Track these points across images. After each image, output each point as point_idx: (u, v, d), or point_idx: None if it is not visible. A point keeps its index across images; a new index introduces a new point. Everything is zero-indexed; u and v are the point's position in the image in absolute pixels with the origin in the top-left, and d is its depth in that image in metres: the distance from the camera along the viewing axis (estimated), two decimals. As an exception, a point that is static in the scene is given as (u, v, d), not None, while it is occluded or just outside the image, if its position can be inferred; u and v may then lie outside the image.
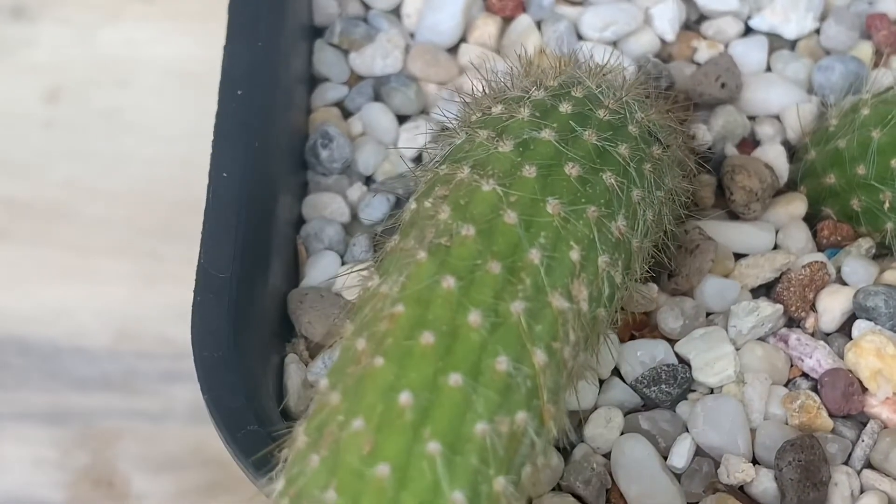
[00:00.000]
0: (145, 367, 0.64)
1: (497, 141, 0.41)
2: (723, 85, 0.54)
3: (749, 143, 0.54)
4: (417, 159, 0.53)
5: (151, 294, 0.66)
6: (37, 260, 0.66)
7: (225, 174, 0.46)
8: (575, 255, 0.38)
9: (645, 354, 0.47)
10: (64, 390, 0.64)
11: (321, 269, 0.49)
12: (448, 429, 0.34)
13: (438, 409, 0.34)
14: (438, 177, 0.40)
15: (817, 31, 0.57)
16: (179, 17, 0.75)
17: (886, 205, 0.48)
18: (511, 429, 0.34)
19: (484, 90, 0.46)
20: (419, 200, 0.40)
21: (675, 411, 0.46)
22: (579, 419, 0.46)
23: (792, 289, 0.48)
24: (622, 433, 0.46)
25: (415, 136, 0.53)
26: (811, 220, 0.52)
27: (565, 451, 0.45)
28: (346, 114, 0.55)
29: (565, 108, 0.42)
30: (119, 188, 0.68)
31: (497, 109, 0.43)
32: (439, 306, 0.36)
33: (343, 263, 0.50)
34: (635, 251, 0.42)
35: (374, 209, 0.51)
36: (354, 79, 0.56)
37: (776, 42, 0.56)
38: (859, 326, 0.48)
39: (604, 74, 0.48)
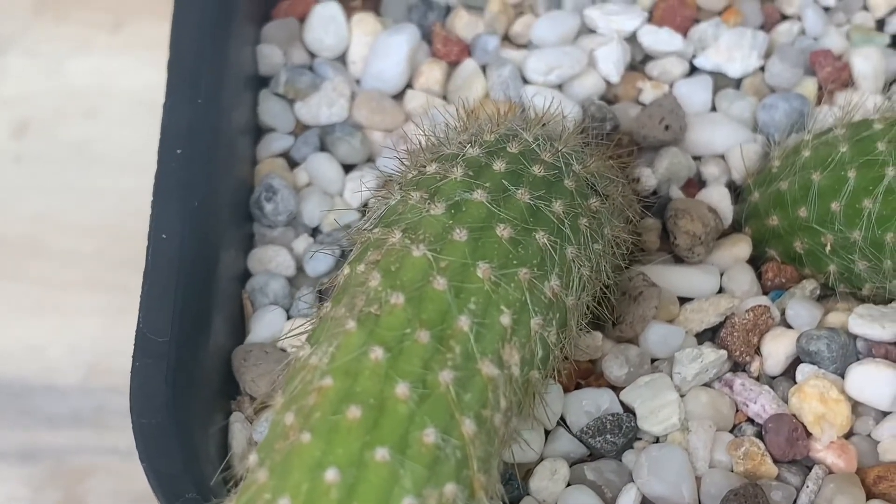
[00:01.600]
0: (116, 403, 0.64)
1: (429, 203, 0.41)
2: (667, 127, 0.54)
3: (695, 183, 0.54)
4: (364, 209, 0.53)
5: (122, 328, 0.65)
6: (7, 295, 0.66)
7: (164, 235, 0.46)
8: (506, 319, 0.38)
9: (590, 404, 0.47)
10: (35, 427, 0.64)
11: (266, 324, 0.49)
12: (375, 505, 0.34)
13: (365, 486, 0.34)
14: (371, 241, 0.40)
15: (762, 69, 0.57)
16: (146, 48, 0.74)
17: (828, 248, 0.48)
18: (440, 502, 0.34)
19: (421, 145, 0.46)
20: (352, 265, 0.40)
21: (621, 461, 0.47)
22: (525, 471, 0.46)
23: (736, 334, 0.49)
24: (568, 485, 0.46)
25: (360, 186, 0.53)
26: (756, 261, 0.52)
27: (511, 505, 0.45)
28: (293, 164, 0.55)
29: (499, 166, 0.42)
30: (89, 221, 0.68)
31: (431, 169, 0.43)
32: (367, 378, 0.36)
33: (289, 318, 0.50)
34: (571, 308, 0.42)
35: (320, 262, 0.51)
36: (300, 128, 0.56)
37: (721, 81, 0.57)
38: (803, 371, 0.48)
39: (543, 125, 0.48)
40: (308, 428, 0.35)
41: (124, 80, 0.72)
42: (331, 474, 0.34)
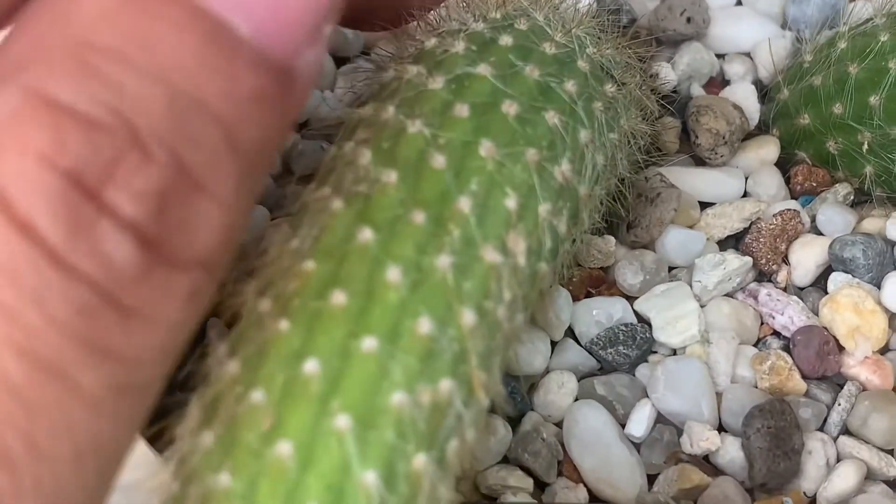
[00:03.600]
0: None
1: (427, 78, 0.36)
2: (689, 20, 0.49)
3: (717, 82, 0.50)
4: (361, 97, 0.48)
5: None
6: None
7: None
8: (511, 203, 0.34)
9: (601, 313, 0.43)
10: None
11: (248, 227, 0.45)
12: (360, 400, 0.30)
13: (349, 379, 0.30)
14: (361, 118, 0.36)
15: (793, -40, 0.52)
16: None
17: (865, 146, 0.44)
18: (434, 399, 0.30)
19: (419, 24, 0.42)
20: (339, 145, 0.36)
21: (633, 375, 0.42)
22: (530, 385, 0.42)
23: (762, 240, 0.44)
24: (576, 400, 0.42)
25: (354, 79, 0.48)
26: (784, 164, 0.47)
27: (514, 421, 0.41)
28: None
29: (506, 40, 0.38)
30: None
31: (430, 43, 0.38)
32: (354, 262, 0.31)
33: (273, 219, 0.46)
34: (583, 199, 0.37)
35: (308, 158, 0.47)
36: (289, 18, 0.51)
37: (748, -27, 0.52)
38: (835, 280, 0.44)
39: (554, 6, 0.43)
40: (286, 315, 0.31)
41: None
42: (310, 366, 0.30)
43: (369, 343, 0.30)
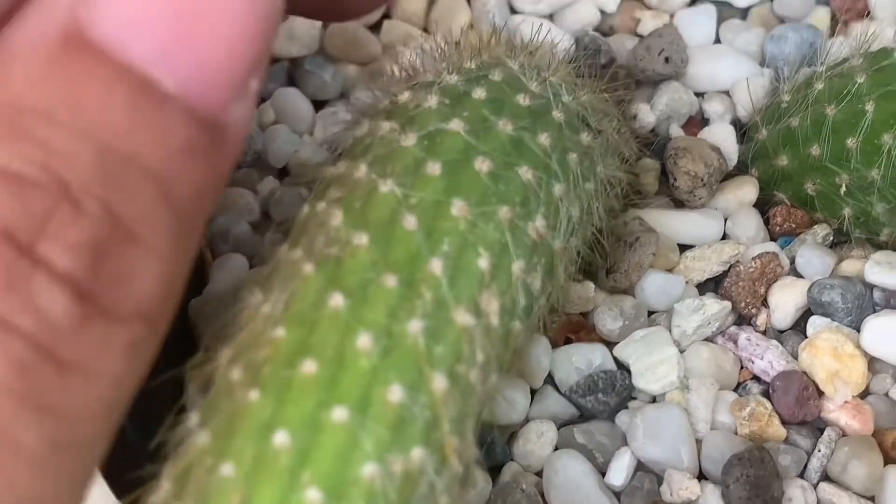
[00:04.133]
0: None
1: (400, 134, 0.36)
2: (667, 59, 0.49)
3: (696, 121, 0.50)
4: (336, 149, 0.48)
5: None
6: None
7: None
8: (484, 262, 0.34)
9: (581, 360, 0.43)
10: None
11: (227, 273, 0.45)
12: (330, 472, 0.29)
13: (320, 450, 0.30)
14: (334, 175, 0.36)
15: (770, -2, 0.52)
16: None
17: (843, 188, 0.44)
18: (405, 468, 0.30)
19: (395, 74, 0.42)
20: (311, 203, 0.36)
21: (613, 422, 0.42)
22: (509, 434, 0.42)
23: (741, 283, 0.44)
24: (555, 448, 0.42)
25: (333, 123, 0.48)
26: (763, 205, 0.47)
27: (493, 471, 0.41)
28: (259, 99, 0.50)
29: (479, 94, 0.38)
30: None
31: (404, 97, 0.38)
32: (325, 329, 0.31)
33: (252, 266, 0.46)
34: (558, 253, 0.37)
35: (286, 205, 0.47)
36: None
37: (726, 11, 0.52)
38: (814, 323, 0.44)
39: (531, 53, 0.43)
40: (257, 385, 0.31)
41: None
42: (280, 437, 0.30)
43: (339, 413, 0.30)
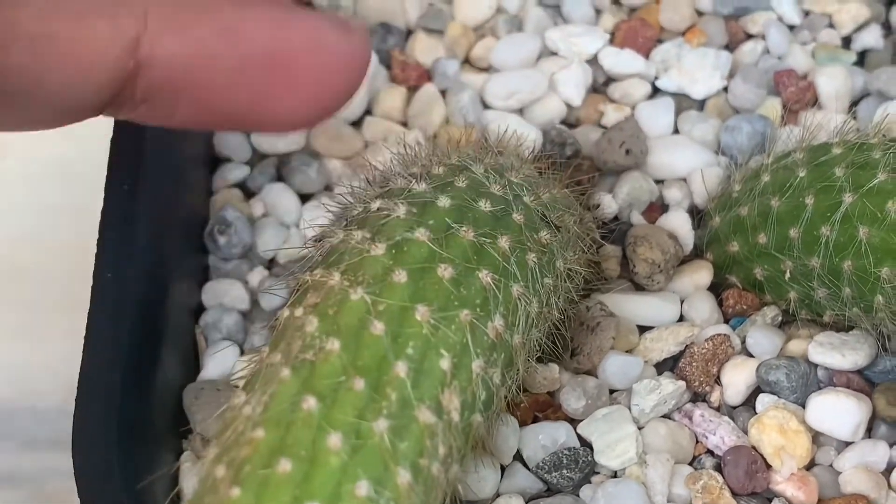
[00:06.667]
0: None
1: (370, 243, 0.40)
2: (627, 151, 0.53)
3: (657, 206, 0.53)
4: (320, 239, 0.52)
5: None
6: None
7: (109, 275, 0.45)
8: (445, 363, 0.38)
9: (546, 438, 0.46)
10: (15, 451, 0.63)
11: (219, 361, 0.49)
12: (305, 563, 0.33)
13: (294, 544, 0.33)
14: (311, 282, 0.40)
15: (726, 90, 0.56)
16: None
17: (788, 275, 0.48)
18: (372, 557, 0.34)
19: (368, 180, 0.45)
20: (291, 308, 0.40)
21: (578, 496, 0.46)
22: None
23: (695, 364, 0.48)
24: (523, 522, 0.45)
25: (317, 216, 0.52)
26: (717, 287, 0.51)
27: (464, 545, 0.45)
28: (249, 194, 0.54)
29: (444, 202, 0.41)
30: (67, 241, 0.67)
31: (375, 206, 0.42)
32: (299, 429, 0.35)
33: (242, 353, 0.49)
34: (517, 347, 0.41)
35: (275, 297, 0.50)
36: (258, 157, 0.55)
37: (684, 102, 0.56)
38: (763, 401, 0.47)
39: (499, 152, 0.47)
40: (238, 482, 0.34)
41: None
42: (258, 532, 0.33)
43: (312, 508, 0.34)
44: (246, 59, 0.36)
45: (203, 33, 0.35)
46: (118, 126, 0.48)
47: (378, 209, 0.42)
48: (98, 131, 0.70)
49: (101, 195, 0.66)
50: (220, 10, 0.36)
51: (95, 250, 0.46)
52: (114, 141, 0.48)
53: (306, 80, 0.37)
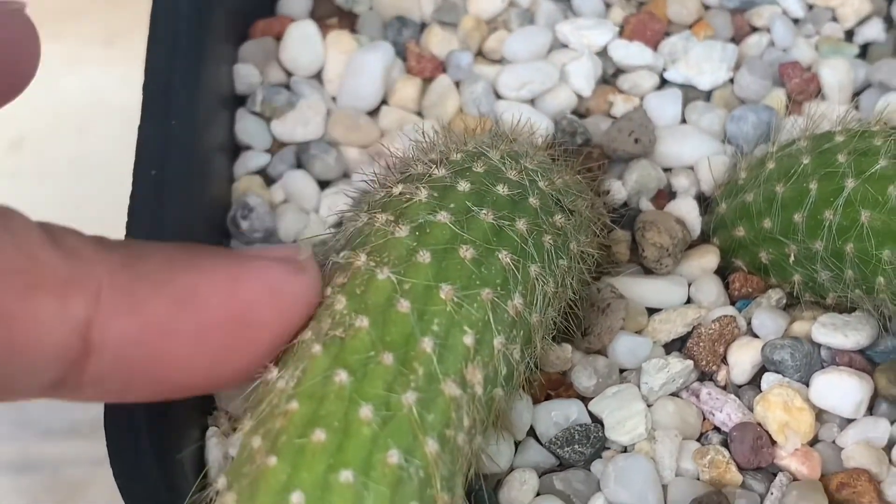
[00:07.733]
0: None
1: (394, 226, 0.42)
2: (636, 140, 0.55)
3: (665, 194, 0.55)
4: (339, 224, 0.54)
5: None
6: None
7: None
8: (469, 339, 0.39)
9: (559, 415, 0.48)
10: (31, 439, 0.65)
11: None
12: (341, 527, 0.35)
13: (330, 507, 0.35)
14: (338, 264, 0.42)
15: (732, 81, 0.58)
16: (138, 61, 0.76)
17: (792, 258, 0.49)
18: (404, 522, 0.36)
19: (389, 166, 0.47)
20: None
21: (589, 470, 0.48)
22: (496, 482, 0.47)
23: (702, 344, 0.50)
24: (537, 495, 0.47)
25: (336, 202, 0.54)
26: (724, 271, 0.53)
27: (481, 517, 0.46)
28: (270, 181, 0.56)
29: (463, 186, 0.43)
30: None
31: (397, 190, 0.44)
32: (332, 402, 0.37)
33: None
34: (535, 325, 0.43)
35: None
36: (277, 146, 0.57)
37: (691, 93, 0.58)
38: (767, 379, 0.49)
39: (512, 140, 0.49)
40: (274, 451, 0.36)
41: (117, 95, 0.73)
42: (296, 497, 0.35)
43: (346, 475, 0.35)
44: (203, 325, 0.35)
45: (159, 307, 0.34)
46: (145, 111, 0.50)
47: (400, 193, 0.43)
48: (112, 127, 0.72)
49: (116, 191, 0.68)
50: (175, 279, 0.35)
51: (125, 231, 0.47)
52: (141, 129, 0.50)
53: (265, 332, 0.37)
